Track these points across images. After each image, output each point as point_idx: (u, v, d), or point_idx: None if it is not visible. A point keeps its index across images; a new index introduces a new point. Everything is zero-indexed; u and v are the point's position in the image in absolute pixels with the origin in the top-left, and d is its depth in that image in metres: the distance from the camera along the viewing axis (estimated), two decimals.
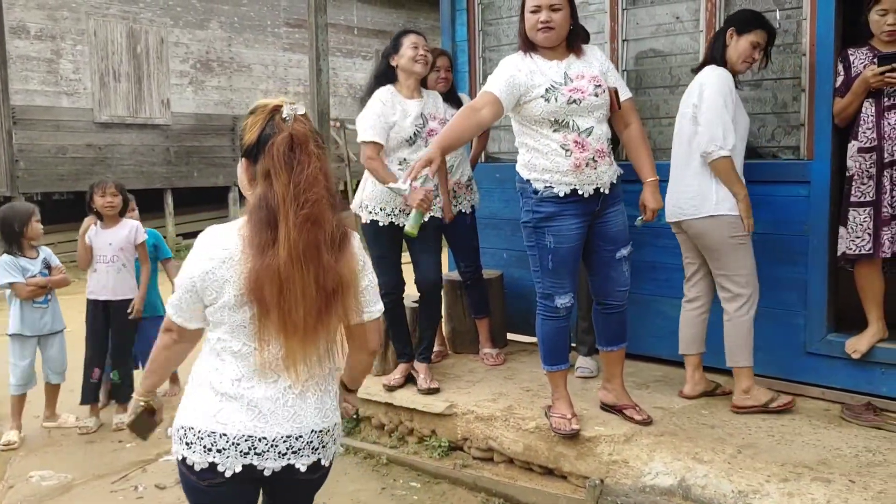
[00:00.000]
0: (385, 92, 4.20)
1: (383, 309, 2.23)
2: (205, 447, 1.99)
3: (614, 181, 3.57)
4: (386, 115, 4.12)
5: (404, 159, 4.15)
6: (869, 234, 3.73)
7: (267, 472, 2.02)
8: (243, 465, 1.99)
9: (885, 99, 3.70)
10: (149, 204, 13.05)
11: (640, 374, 4.37)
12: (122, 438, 4.80)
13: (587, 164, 3.46)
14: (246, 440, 1.99)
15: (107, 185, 4.94)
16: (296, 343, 1.97)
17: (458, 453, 4.08)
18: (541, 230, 3.54)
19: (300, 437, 2.04)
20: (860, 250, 3.75)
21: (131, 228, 5.04)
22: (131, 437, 2.26)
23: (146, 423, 2.29)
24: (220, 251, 1.99)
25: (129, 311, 5.05)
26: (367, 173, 4.21)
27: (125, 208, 5.06)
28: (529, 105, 3.44)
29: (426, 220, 4.06)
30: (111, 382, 5.09)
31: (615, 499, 3.39)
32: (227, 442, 1.99)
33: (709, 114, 3.64)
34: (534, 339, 5.21)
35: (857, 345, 3.86)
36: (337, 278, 1.99)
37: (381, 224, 4.21)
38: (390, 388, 4.35)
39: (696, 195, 3.74)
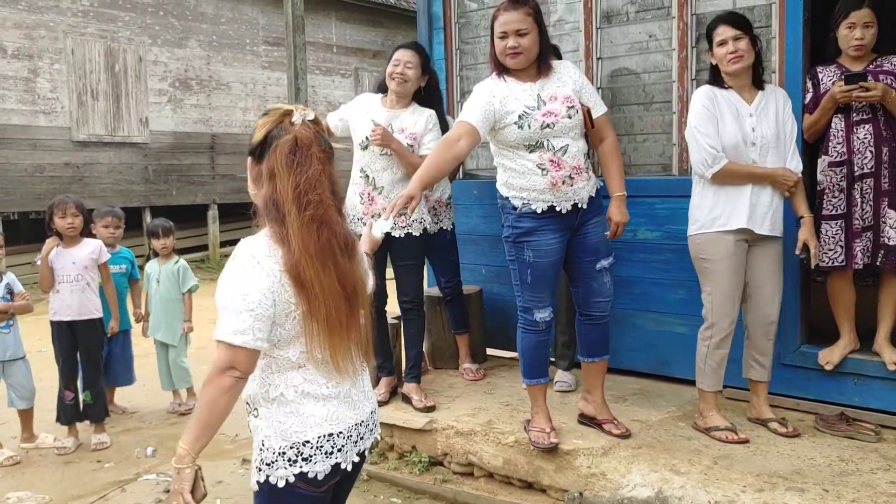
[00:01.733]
0: (364, 97, 4.41)
1: None
2: (326, 453, 2.05)
3: (593, 195, 3.63)
4: (351, 119, 4.31)
5: (361, 168, 4.26)
6: (841, 247, 3.81)
7: (356, 459, 2.16)
8: (357, 454, 2.15)
9: (854, 114, 3.79)
10: (127, 223, 12.98)
11: (618, 388, 4.42)
12: (100, 458, 4.78)
13: (563, 182, 3.52)
14: (354, 429, 2.12)
15: (67, 206, 4.89)
16: (339, 344, 2.04)
17: (439, 468, 4.10)
18: (520, 245, 3.60)
19: (363, 421, 2.17)
20: (833, 262, 3.83)
21: (94, 247, 5.05)
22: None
23: (201, 488, 2.02)
24: (276, 263, 1.97)
25: (106, 331, 5.05)
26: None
27: (87, 227, 5.04)
28: (504, 131, 3.53)
29: (398, 234, 4.18)
30: (84, 402, 5.06)
31: None
32: (344, 438, 2.09)
33: (689, 138, 3.70)
34: (513, 355, 5.27)
35: (829, 356, 3.93)
36: (355, 280, 2.08)
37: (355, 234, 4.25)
38: (380, 404, 4.35)
39: (689, 216, 3.81)
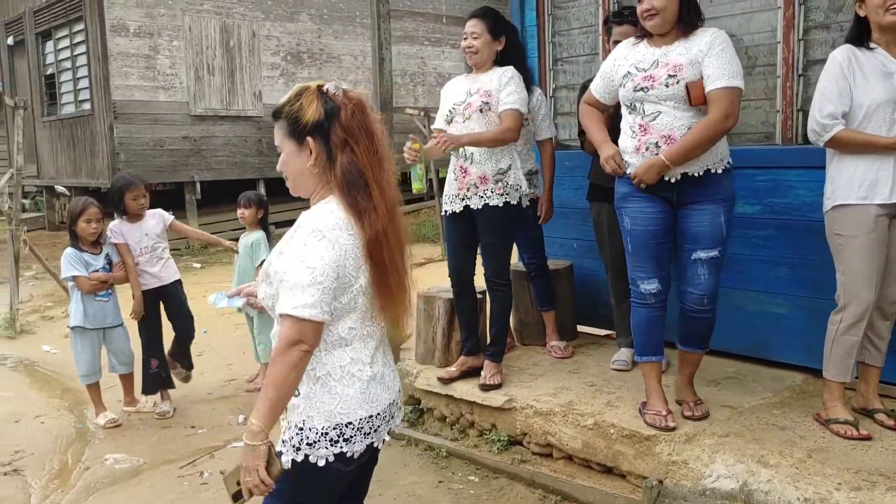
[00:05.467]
0: (452, 81, 4.33)
1: None
2: (364, 433, 2.06)
3: (696, 174, 3.38)
4: (443, 104, 4.25)
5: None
6: None
7: (386, 437, 2.17)
8: (387, 432, 2.17)
9: None
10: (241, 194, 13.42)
11: (710, 370, 4.17)
12: (195, 424, 4.94)
13: (647, 149, 3.39)
14: (388, 409, 2.13)
15: (139, 187, 5.06)
16: (402, 304, 2.09)
17: (518, 448, 4.00)
18: (620, 211, 3.55)
19: (395, 400, 2.18)
20: None
21: (158, 216, 5.25)
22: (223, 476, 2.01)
23: (277, 464, 1.98)
24: (346, 235, 1.98)
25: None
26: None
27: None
28: (618, 90, 3.53)
29: (457, 209, 4.12)
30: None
31: (672, 501, 3.24)
32: (381, 419, 2.10)
33: (812, 105, 3.37)
34: (605, 332, 5.10)
35: None
36: (406, 247, 2.13)
37: (453, 211, 4.19)
38: (443, 381, 4.29)
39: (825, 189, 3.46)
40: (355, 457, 2.06)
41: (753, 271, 4.22)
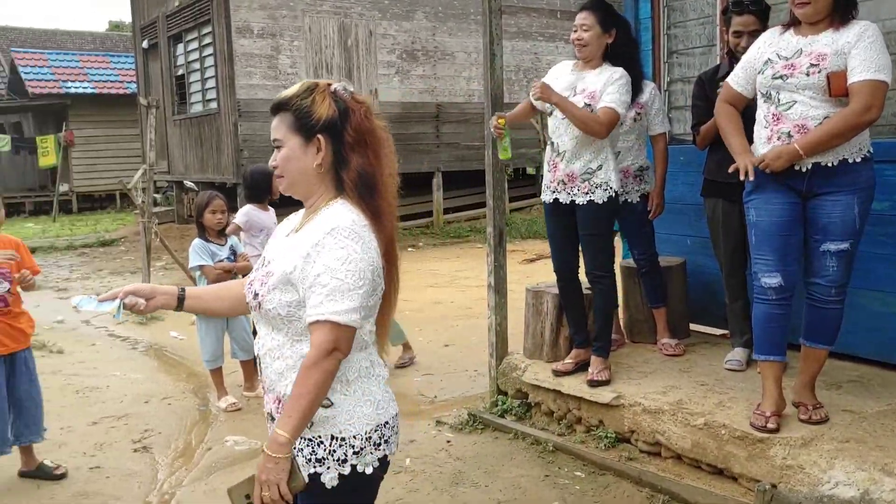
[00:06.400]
0: (557, 65, 4.31)
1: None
2: (395, 432, 2.02)
3: (830, 164, 3.26)
4: (550, 83, 4.17)
5: (548, 136, 4.21)
6: None
7: None
8: None
9: None
10: None
11: (833, 374, 4.00)
12: None
13: (779, 138, 3.30)
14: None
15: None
16: (392, 313, 2.07)
17: (625, 445, 3.96)
18: (747, 203, 3.47)
19: None
20: None
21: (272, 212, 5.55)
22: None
23: (300, 477, 1.89)
24: (372, 236, 1.93)
25: None
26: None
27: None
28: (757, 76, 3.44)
29: (547, 200, 4.15)
30: None
31: None
32: (398, 418, 2.05)
33: None
34: (720, 332, 4.96)
35: None
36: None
37: (546, 201, 4.22)
38: (558, 374, 4.30)
39: None
40: (390, 459, 2.02)
41: (880, 270, 4.02)
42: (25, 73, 22.24)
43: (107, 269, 11.55)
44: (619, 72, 4.02)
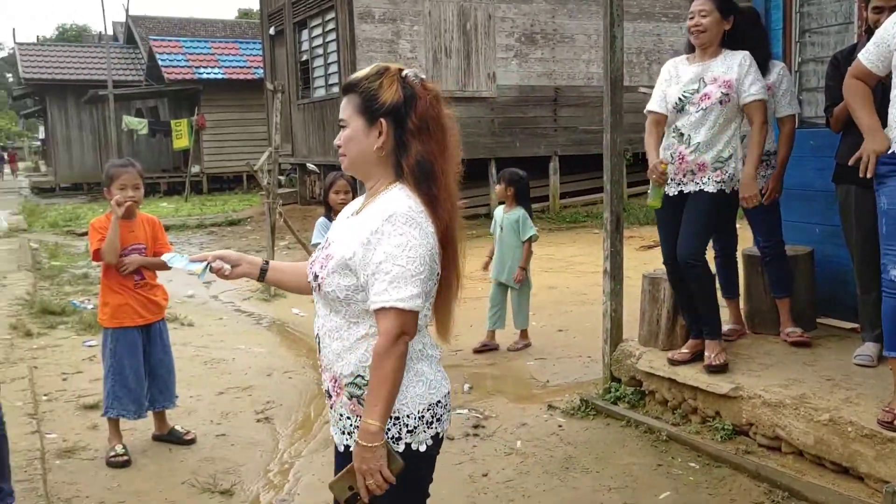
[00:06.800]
0: (667, 64, 4.22)
1: None
2: (448, 411, 2.07)
3: None
4: (663, 84, 4.12)
5: (675, 127, 4.07)
6: None
7: None
8: None
9: None
10: (474, 174, 13.82)
11: None
12: None
13: None
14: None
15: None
16: (454, 301, 2.08)
17: (743, 438, 3.86)
18: (879, 190, 3.32)
19: None
20: None
21: None
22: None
23: (397, 459, 1.95)
24: (430, 222, 1.95)
25: None
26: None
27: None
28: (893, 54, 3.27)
29: (671, 193, 4.07)
30: None
31: None
32: (449, 397, 2.09)
33: None
34: (850, 325, 4.73)
35: None
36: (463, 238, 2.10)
37: (668, 194, 4.14)
38: (674, 363, 4.21)
39: None
40: (443, 437, 2.06)
41: None
42: (162, 60, 23.46)
43: (234, 248, 12.04)
44: (747, 56, 3.95)
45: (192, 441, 4.36)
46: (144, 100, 25.30)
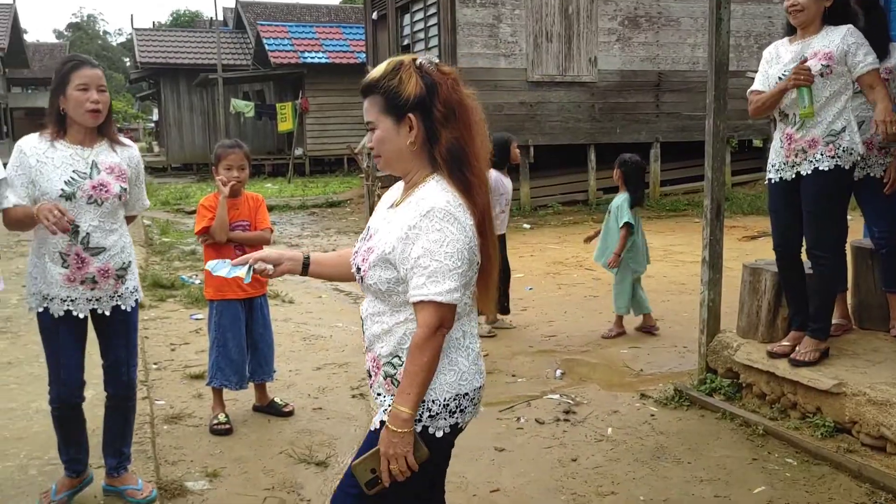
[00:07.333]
0: (774, 44, 4.12)
1: None
2: (474, 403, 2.07)
3: None
4: (764, 65, 4.03)
5: (779, 110, 3.96)
6: None
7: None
8: None
9: None
10: (572, 159, 13.69)
11: None
12: (515, 373, 5.23)
13: None
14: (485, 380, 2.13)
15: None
16: (494, 282, 2.09)
17: (845, 436, 3.73)
18: None
19: (486, 371, 2.16)
20: None
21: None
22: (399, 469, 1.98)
23: (422, 447, 1.99)
24: (467, 214, 1.96)
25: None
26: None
27: None
28: None
29: (783, 176, 3.91)
30: None
31: None
32: (482, 391, 2.10)
33: None
34: None
35: None
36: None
37: (769, 178, 4.04)
38: (774, 356, 4.10)
39: None
40: (464, 428, 2.06)
41: None
42: (269, 44, 24.11)
43: (333, 229, 12.36)
44: (851, 29, 3.79)
45: (291, 413, 4.51)
46: (251, 83, 26.08)
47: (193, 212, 8.22)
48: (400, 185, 2.12)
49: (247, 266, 2.21)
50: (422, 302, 1.91)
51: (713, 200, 4.49)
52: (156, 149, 36.20)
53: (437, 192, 1.95)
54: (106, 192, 3.15)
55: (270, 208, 4.77)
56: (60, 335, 3.16)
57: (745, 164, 15.34)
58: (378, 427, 2.03)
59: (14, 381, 4.88)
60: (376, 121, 2.00)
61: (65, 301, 3.12)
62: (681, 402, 4.49)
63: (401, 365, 2.00)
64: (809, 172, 3.84)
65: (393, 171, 2.07)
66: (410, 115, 1.95)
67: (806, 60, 3.76)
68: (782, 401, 4.07)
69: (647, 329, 6.05)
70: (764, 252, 6.80)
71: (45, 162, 3.06)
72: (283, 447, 4.06)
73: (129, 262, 3.30)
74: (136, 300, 3.38)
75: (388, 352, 2.03)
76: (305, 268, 2.27)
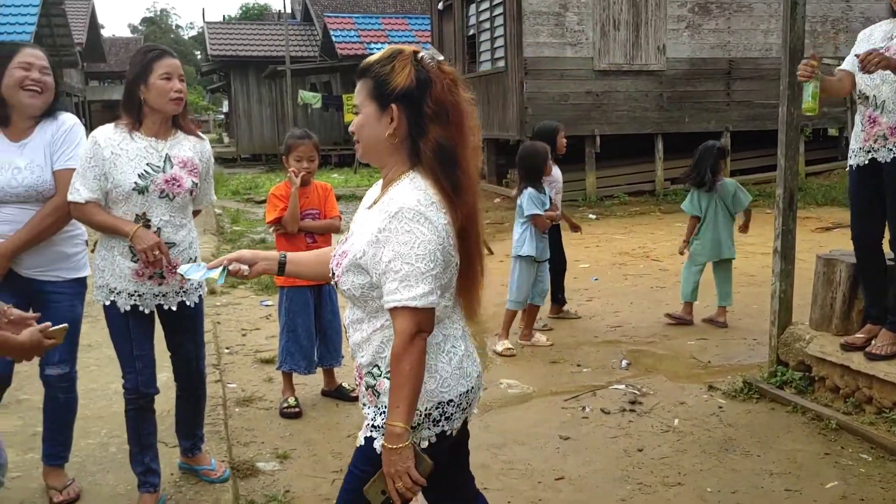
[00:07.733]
0: (867, 30, 4.01)
1: None
2: (462, 409, 2.01)
3: None
4: (856, 47, 3.91)
5: (860, 91, 3.85)
6: None
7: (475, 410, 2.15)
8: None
9: None
10: (639, 149, 13.50)
11: None
12: (580, 363, 5.21)
13: None
14: (477, 380, 2.07)
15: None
16: (479, 288, 2.04)
17: None
18: None
19: (480, 373, 2.13)
20: None
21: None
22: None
23: (425, 459, 1.91)
24: (441, 214, 1.89)
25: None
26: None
27: None
28: None
29: (860, 161, 3.82)
30: None
31: None
32: (473, 393, 2.06)
33: None
34: None
35: None
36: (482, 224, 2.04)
37: (856, 165, 3.93)
38: (848, 349, 4.00)
39: None
40: (453, 434, 2.01)
41: None
42: (336, 36, 24.38)
43: None
44: None
45: (357, 398, 4.58)
46: (318, 75, 26.39)
47: (263, 201, 8.40)
48: (379, 186, 2.07)
49: (221, 268, 2.17)
50: (396, 308, 1.84)
51: (786, 190, 4.39)
52: (226, 140, 36.98)
53: (407, 191, 1.89)
54: (178, 186, 3.08)
55: (337, 198, 4.83)
56: (130, 328, 3.11)
57: (820, 153, 14.90)
58: (363, 444, 1.98)
59: (94, 362, 5.07)
60: (361, 105, 1.94)
61: (132, 296, 3.06)
62: (750, 394, 4.42)
63: (380, 375, 1.96)
64: (889, 160, 3.72)
65: (370, 160, 2.02)
66: (394, 105, 1.89)
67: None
68: (857, 395, 3.98)
69: (715, 321, 5.95)
70: (838, 243, 6.63)
71: (119, 154, 2.97)
72: (350, 431, 4.13)
73: (195, 257, 3.22)
74: (200, 296, 3.33)
75: (368, 361, 1.99)
76: (282, 267, 2.22)
